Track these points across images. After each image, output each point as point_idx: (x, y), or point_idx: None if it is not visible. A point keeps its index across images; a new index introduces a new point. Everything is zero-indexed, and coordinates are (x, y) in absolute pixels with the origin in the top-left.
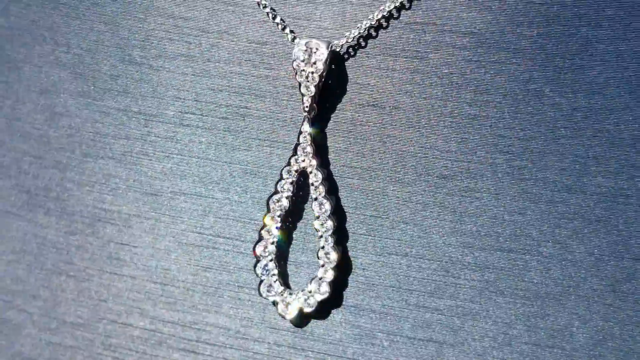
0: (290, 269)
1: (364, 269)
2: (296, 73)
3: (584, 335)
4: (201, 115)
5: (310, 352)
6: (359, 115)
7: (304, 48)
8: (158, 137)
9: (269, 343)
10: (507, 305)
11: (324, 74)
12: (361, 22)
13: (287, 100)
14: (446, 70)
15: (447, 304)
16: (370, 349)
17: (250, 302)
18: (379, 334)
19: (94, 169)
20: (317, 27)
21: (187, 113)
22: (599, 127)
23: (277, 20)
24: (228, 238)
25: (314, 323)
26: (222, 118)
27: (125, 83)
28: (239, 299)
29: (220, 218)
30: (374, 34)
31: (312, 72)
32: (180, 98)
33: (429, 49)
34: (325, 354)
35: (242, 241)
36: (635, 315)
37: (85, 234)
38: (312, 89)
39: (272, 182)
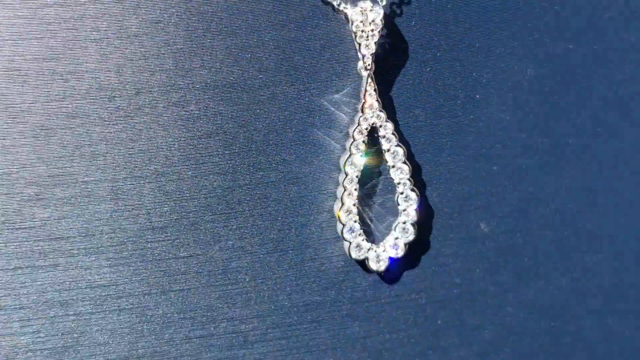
0: (373, 225)
1: (444, 210)
2: (356, 35)
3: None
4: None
5: (402, 300)
6: (415, 69)
7: (359, 9)
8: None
9: (362, 302)
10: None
11: (381, 29)
12: None
13: (339, 69)
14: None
15: (529, 223)
16: (465, 283)
17: (330, 272)
18: (469, 266)
19: None
20: None
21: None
22: None
23: None
24: (300, 215)
25: (405, 273)
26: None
27: None
28: (319, 275)
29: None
30: None
31: (372, 30)
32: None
33: None
34: (419, 298)
35: (318, 212)
36: None
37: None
38: (373, 45)
39: (336, 149)
